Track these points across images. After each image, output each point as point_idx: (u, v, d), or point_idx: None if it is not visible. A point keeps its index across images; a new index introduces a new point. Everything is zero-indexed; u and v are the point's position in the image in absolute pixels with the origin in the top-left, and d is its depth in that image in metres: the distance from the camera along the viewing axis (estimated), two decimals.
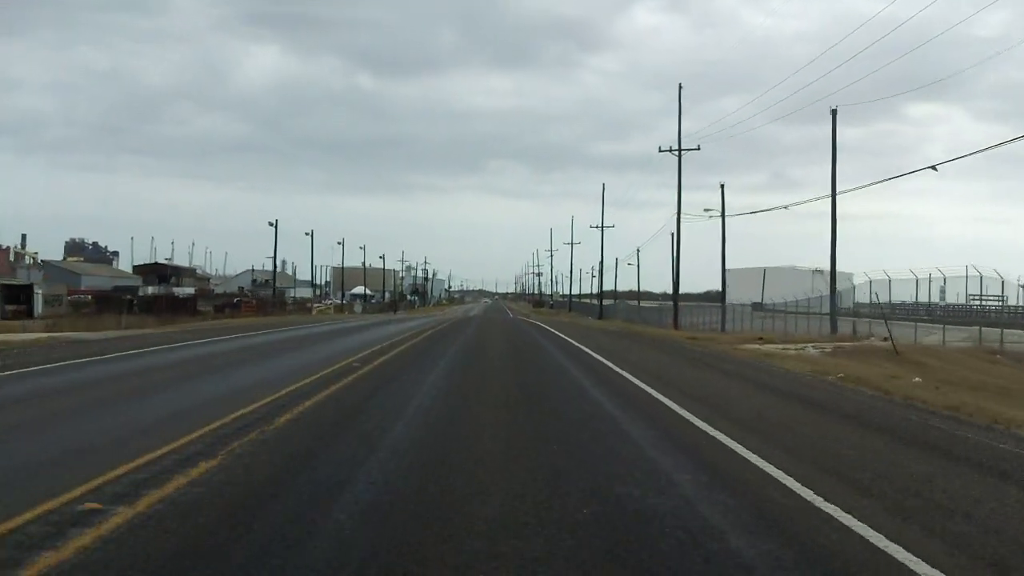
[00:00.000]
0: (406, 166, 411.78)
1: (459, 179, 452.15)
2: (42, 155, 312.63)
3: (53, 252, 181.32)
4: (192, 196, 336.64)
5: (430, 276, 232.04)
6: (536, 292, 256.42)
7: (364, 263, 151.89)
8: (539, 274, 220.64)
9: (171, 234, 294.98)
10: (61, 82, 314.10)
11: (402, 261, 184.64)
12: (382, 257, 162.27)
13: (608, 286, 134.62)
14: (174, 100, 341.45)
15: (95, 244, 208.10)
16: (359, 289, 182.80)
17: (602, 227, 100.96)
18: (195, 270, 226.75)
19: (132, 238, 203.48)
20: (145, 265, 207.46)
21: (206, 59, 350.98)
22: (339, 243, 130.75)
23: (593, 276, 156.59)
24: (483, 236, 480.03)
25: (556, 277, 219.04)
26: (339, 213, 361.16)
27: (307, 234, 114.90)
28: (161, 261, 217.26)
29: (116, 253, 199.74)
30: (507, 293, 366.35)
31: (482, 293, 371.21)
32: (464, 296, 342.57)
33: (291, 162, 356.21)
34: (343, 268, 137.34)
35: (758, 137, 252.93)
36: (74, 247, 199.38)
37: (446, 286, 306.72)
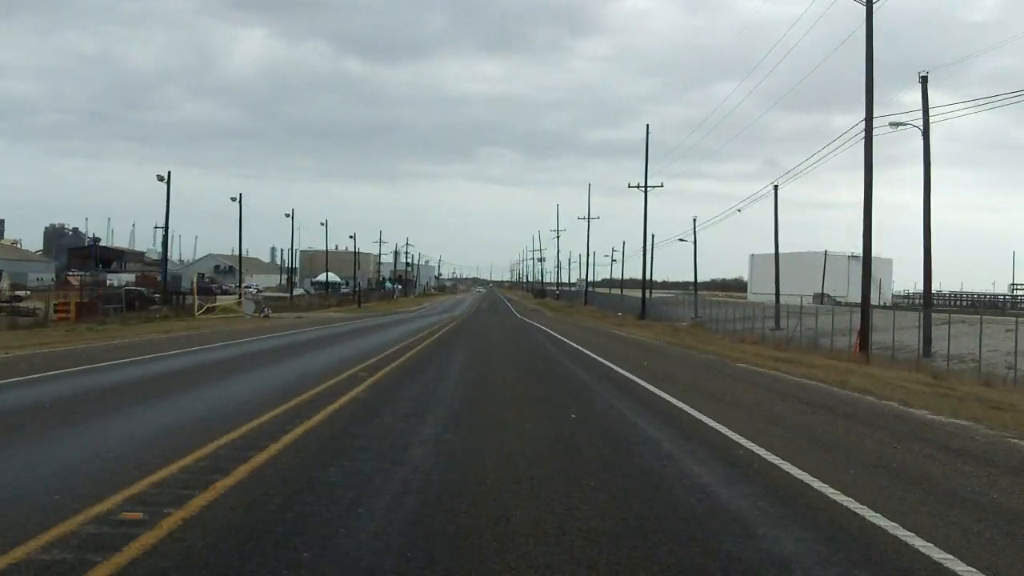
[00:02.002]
0: (397, 152, 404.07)
1: (451, 166, 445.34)
2: (30, 141, 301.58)
3: (35, 238, 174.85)
4: (182, 183, 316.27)
5: (415, 261, 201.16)
6: (535, 280, 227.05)
7: (326, 244, 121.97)
8: (541, 259, 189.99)
9: (157, 221, 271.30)
10: (48, 67, 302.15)
11: (379, 242, 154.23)
12: (352, 236, 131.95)
13: (618, 273, 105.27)
14: (163, 85, 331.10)
15: (75, 230, 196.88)
16: (323, 275, 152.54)
17: (645, 184, 70.65)
18: (143, 254, 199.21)
19: (87, 219, 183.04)
20: (80, 248, 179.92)
21: (194, 43, 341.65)
22: (287, 215, 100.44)
23: (614, 260, 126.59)
24: (477, 224, 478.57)
25: (560, 262, 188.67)
26: (331, 200, 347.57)
27: (233, 199, 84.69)
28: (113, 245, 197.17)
29: (98, 239, 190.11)
30: (502, 281, 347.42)
31: (476, 281, 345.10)
32: (456, 284, 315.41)
33: (283, 149, 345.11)
34: (292, 249, 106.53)
35: (749, 124, 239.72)
36: (53, 233, 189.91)
37: (436, 273, 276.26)
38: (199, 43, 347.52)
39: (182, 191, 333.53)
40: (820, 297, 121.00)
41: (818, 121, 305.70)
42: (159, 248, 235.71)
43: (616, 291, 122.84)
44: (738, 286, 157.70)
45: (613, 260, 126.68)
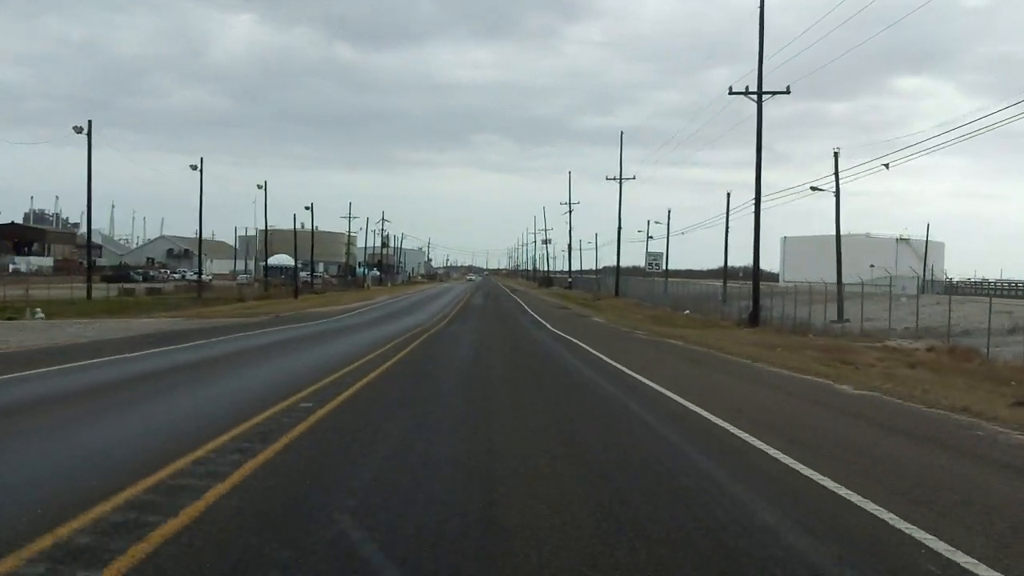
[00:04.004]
0: (390, 140, 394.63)
1: (445, 154, 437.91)
2: (18, 128, 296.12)
3: None
4: (172, 171, 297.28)
5: (398, 243, 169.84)
6: (535, 267, 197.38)
7: (265, 220, 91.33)
8: (547, 241, 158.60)
9: (152, 210, 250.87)
10: (35, 54, 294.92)
11: (348, 217, 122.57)
12: (309, 207, 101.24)
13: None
14: (152, 72, 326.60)
15: (56, 215, 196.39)
16: (278, 259, 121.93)
17: (760, 88, 39.60)
18: (75, 235, 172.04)
19: (32, 197, 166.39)
20: None
21: (181, 29, 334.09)
22: (193, 167, 69.36)
23: (651, 237, 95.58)
24: (472, 211, 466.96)
25: (572, 244, 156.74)
26: (324, 188, 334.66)
27: (79, 129, 53.75)
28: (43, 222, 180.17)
29: (76, 224, 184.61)
30: (498, 269, 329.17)
31: (471, 269, 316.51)
32: (450, 272, 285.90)
33: (274, 136, 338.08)
34: (201, 227, 75.05)
35: (742, 111, 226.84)
36: (34, 218, 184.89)
37: (426, 258, 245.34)
38: (186, 29, 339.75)
39: (177, 179, 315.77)
40: (929, 284, 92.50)
41: (812, 108, 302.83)
42: (132, 233, 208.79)
43: (636, 277, 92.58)
44: (748, 275, 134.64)
45: (650, 237, 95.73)
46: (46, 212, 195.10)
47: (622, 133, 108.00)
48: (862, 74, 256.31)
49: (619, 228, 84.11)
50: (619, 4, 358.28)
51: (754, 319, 40.08)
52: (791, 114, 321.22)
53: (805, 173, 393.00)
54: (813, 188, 43.56)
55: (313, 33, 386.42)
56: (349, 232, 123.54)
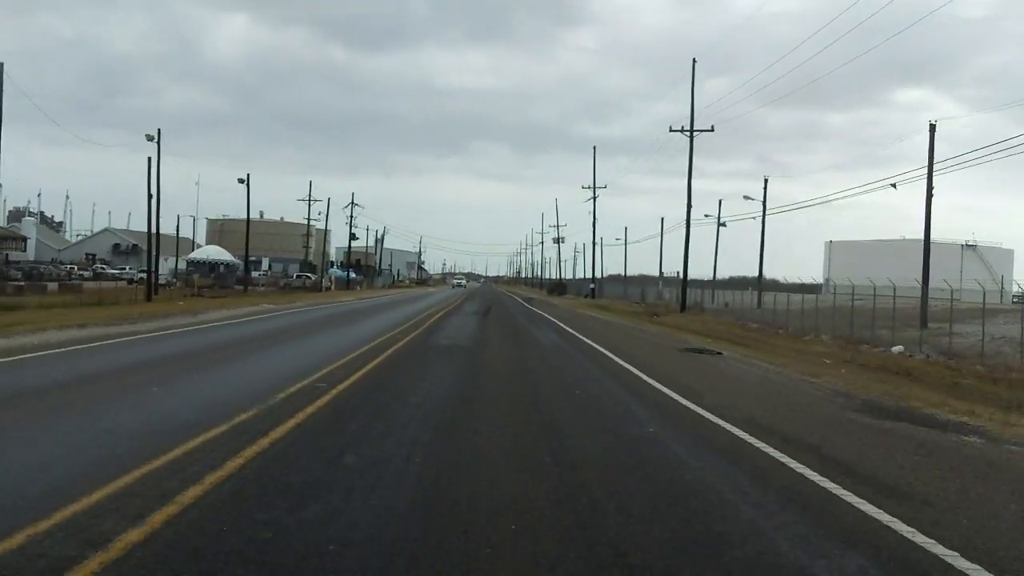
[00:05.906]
0: (386, 145, 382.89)
1: (441, 160, 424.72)
2: (11, 127, 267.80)
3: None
4: (169, 172, 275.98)
5: (372, 238, 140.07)
6: (539, 274, 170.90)
7: (148, 197, 62.03)
8: (559, 239, 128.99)
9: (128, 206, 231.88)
10: (26, 51, 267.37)
11: (308, 200, 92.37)
12: (243, 180, 71.68)
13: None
14: (145, 71, 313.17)
15: (41, 213, 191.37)
16: (207, 251, 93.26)
17: None
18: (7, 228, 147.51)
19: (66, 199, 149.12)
20: None
21: (174, 28, 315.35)
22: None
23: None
24: (471, 219, 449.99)
25: (570, 252, 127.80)
26: (318, 192, 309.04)
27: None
28: None
29: (61, 223, 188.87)
30: (498, 276, 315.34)
31: (470, 276, 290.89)
32: (446, 277, 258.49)
33: (270, 140, 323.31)
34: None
35: (741, 121, 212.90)
36: (18, 215, 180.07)
37: (419, 259, 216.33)
38: (179, 28, 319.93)
39: (170, 180, 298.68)
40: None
41: (811, 118, 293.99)
42: (92, 225, 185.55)
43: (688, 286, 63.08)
44: (743, 283, 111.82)
45: (722, 224, 66.53)
46: (30, 210, 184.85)
47: (695, 60, 77.79)
48: (861, 86, 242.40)
49: (688, 204, 54.57)
50: (613, 12, 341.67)
51: None
52: (790, 124, 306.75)
53: (803, 184, 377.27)
54: None
55: (308, 35, 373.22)
56: (308, 218, 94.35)
